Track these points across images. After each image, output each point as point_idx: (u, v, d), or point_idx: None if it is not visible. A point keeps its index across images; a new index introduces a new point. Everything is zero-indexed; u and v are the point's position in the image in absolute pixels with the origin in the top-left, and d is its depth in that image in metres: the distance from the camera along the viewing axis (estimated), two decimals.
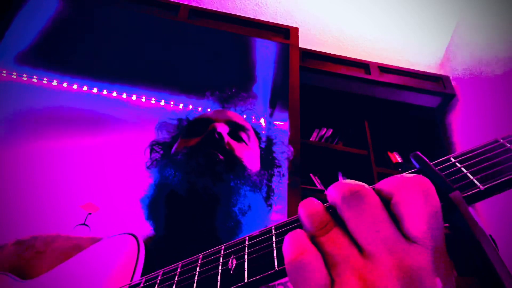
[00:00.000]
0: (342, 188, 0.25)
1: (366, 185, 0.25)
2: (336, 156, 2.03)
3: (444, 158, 0.26)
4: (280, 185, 0.74)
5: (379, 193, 0.25)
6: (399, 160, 2.17)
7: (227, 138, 0.63)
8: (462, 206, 0.21)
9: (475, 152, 0.25)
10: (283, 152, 0.78)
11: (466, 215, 0.21)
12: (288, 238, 0.25)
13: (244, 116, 0.77)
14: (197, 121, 0.71)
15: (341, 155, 2.03)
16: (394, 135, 2.29)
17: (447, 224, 0.23)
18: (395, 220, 0.23)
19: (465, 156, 0.25)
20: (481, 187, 0.23)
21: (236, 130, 0.68)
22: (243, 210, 0.58)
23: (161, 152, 0.75)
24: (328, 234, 0.24)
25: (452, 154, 0.26)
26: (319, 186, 1.95)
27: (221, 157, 0.60)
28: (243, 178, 0.60)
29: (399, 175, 0.25)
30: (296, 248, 0.24)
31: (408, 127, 2.30)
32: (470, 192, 0.24)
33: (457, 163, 0.25)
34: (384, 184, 0.25)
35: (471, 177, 0.24)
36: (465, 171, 0.25)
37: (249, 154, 0.66)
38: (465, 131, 2.03)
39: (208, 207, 0.56)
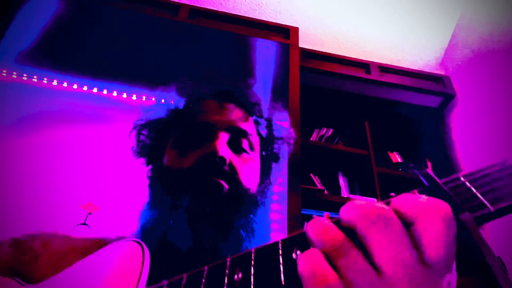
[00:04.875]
0: (364, 209, 0.25)
1: (388, 208, 0.25)
2: (336, 156, 2.03)
3: (453, 176, 0.26)
4: (278, 176, 0.71)
5: (399, 215, 0.25)
6: (399, 160, 2.17)
7: (228, 158, 0.58)
8: (473, 228, 0.21)
9: (485, 172, 0.25)
10: (283, 145, 0.73)
11: (476, 237, 0.21)
12: (305, 260, 0.25)
13: (247, 115, 0.67)
14: (193, 125, 0.63)
15: (341, 155, 2.02)
16: (394, 135, 2.29)
17: None
18: (414, 243, 0.24)
19: (475, 176, 0.25)
20: (491, 208, 0.23)
21: (237, 136, 0.63)
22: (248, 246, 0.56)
23: (150, 135, 0.69)
24: (346, 257, 0.24)
25: (462, 173, 0.26)
26: (319, 186, 1.95)
27: (226, 186, 0.55)
28: (250, 212, 0.57)
29: (419, 198, 0.25)
30: (316, 272, 0.23)
31: (408, 127, 2.29)
32: (479, 214, 0.23)
33: (466, 183, 0.25)
34: (405, 207, 0.25)
35: (481, 197, 0.24)
36: (475, 191, 0.24)
37: (250, 169, 0.62)
38: (466, 130, 2.03)
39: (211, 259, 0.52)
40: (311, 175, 2.01)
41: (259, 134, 0.69)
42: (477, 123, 1.94)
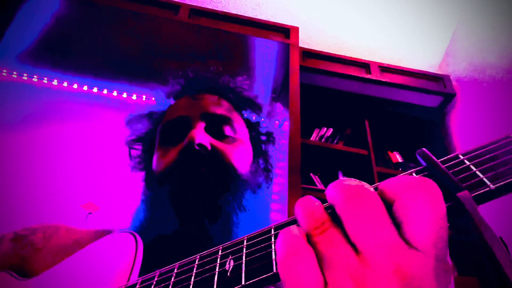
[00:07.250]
0: (342, 186, 0.23)
1: (367, 185, 0.23)
2: (336, 156, 2.03)
3: (452, 155, 0.25)
4: (278, 153, 0.70)
5: (381, 194, 0.23)
6: (400, 159, 2.16)
7: (208, 143, 0.57)
8: (471, 206, 0.20)
9: (485, 149, 0.24)
10: (274, 123, 0.72)
11: (475, 217, 0.20)
12: (282, 235, 0.24)
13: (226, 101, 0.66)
14: (170, 123, 0.63)
15: (341, 155, 2.02)
16: (394, 134, 2.28)
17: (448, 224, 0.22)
18: (396, 224, 0.22)
19: (474, 153, 0.24)
20: (491, 186, 0.22)
21: (216, 123, 0.61)
22: (238, 224, 0.55)
23: (140, 148, 0.69)
24: (324, 234, 0.22)
25: (460, 151, 0.25)
26: (319, 186, 1.95)
27: (202, 169, 0.55)
28: (237, 191, 0.56)
29: (403, 176, 0.23)
30: (289, 245, 0.22)
31: (408, 127, 2.29)
32: (479, 192, 0.22)
33: (465, 161, 0.24)
34: (387, 185, 0.23)
35: (481, 175, 0.23)
36: (474, 169, 0.23)
37: (238, 151, 0.60)
38: (465, 130, 2.02)
39: (202, 242, 0.52)
40: (311, 174, 2.00)
41: (242, 117, 0.68)
42: (477, 123, 1.94)
